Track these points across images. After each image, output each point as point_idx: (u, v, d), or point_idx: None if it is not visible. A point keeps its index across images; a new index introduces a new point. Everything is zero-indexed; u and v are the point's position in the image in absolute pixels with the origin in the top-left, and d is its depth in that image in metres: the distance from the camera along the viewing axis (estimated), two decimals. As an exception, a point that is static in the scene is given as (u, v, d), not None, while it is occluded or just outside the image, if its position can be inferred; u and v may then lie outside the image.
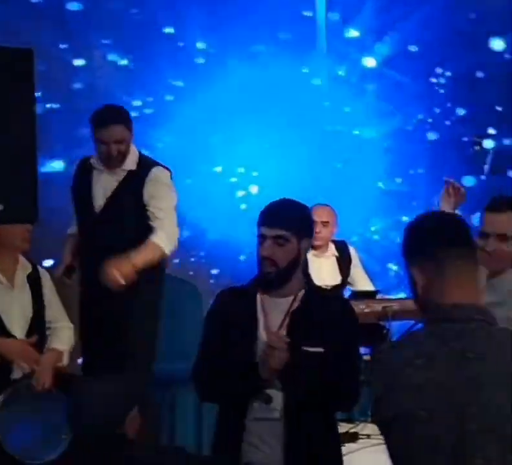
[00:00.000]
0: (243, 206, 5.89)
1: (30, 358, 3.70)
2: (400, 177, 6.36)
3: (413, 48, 6.28)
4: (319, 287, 3.56)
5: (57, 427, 3.63)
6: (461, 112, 6.39)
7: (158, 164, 4.09)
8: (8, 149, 2.97)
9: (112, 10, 5.58)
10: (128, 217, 4.03)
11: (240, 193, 5.94)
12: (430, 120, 6.41)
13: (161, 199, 3.98)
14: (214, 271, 5.82)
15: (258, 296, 3.08)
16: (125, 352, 3.95)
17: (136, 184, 4.02)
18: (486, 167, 6.24)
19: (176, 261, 5.12)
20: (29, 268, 3.90)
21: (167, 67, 5.75)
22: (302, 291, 3.07)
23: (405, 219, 5.77)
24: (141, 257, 3.74)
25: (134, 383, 3.61)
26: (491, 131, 6.38)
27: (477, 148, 6.17)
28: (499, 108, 6.24)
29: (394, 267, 6.07)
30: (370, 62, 6.26)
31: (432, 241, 2.21)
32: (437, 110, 6.40)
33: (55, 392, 3.64)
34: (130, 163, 4.03)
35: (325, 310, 3.08)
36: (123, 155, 3.97)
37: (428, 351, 2.14)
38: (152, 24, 5.65)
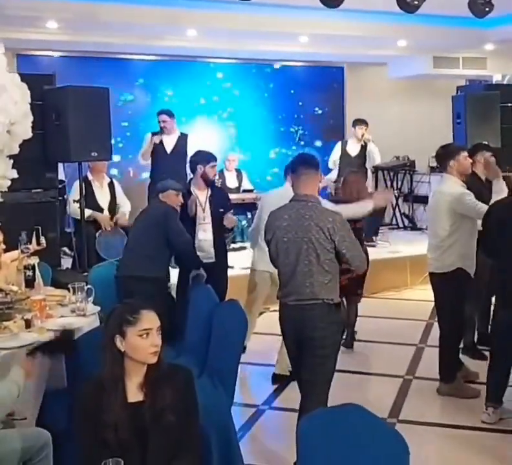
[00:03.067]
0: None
1: (109, 224, 6.77)
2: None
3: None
4: (215, 185, 5.67)
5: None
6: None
7: (186, 133, 7.92)
8: (98, 130, 6.00)
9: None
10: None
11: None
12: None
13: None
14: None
15: (193, 191, 5.32)
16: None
17: (183, 140, 7.85)
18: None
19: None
20: (108, 180, 7.10)
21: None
22: (208, 188, 5.39)
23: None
24: None
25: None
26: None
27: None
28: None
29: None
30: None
31: (295, 164, 3.53)
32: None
33: (118, 230, 6.84)
34: (177, 131, 7.87)
35: (219, 193, 5.45)
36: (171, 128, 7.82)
37: (289, 212, 3.42)
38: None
